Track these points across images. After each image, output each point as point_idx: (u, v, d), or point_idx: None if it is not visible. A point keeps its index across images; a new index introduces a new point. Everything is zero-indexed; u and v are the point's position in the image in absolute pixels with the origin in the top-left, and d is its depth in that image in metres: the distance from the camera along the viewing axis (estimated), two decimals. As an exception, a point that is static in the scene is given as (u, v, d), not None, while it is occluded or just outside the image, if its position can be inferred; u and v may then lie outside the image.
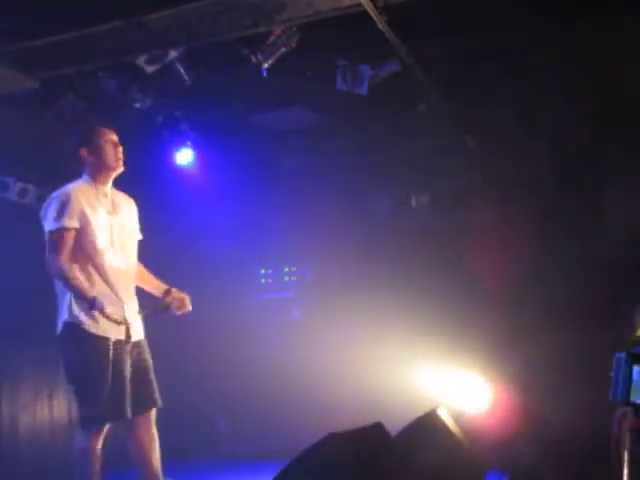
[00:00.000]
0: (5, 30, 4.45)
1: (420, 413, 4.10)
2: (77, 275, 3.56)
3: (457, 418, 4.40)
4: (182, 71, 5.22)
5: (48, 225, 3.60)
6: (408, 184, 6.58)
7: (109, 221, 3.71)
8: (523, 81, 5.26)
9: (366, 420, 3.69)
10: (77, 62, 4.92)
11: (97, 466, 3.57)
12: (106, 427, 3.61)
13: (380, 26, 4.43)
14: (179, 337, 6.87)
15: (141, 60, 5.01)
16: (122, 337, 3.63)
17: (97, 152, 3.74)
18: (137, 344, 3.74)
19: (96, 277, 3.61)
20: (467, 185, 6.19)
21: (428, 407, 4.15)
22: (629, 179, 5.42)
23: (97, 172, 3.76)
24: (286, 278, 7.33)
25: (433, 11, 4.62)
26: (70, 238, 3.56)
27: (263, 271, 7.43)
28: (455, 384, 5.86)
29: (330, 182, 6.64)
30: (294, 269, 7.29)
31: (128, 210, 3.88)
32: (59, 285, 3.64)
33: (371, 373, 6.53)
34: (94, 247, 3.62)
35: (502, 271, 5.83)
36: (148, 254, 6.83)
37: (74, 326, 3.56)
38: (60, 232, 3.55)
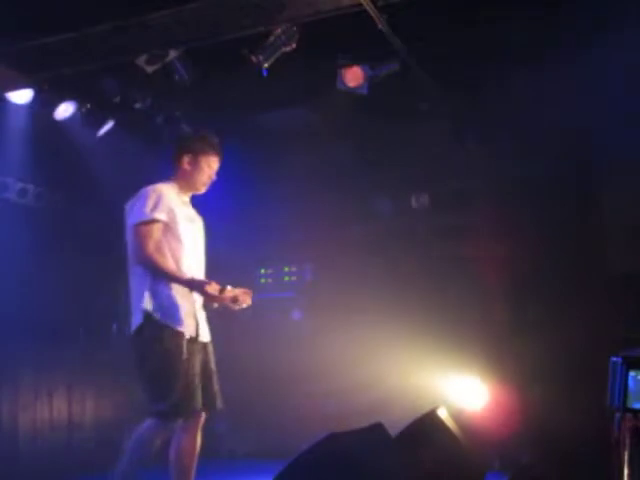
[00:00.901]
0: (5, 30, 4.45)
1: (420, 413, 4.10)
2: (168, 262, 3.63)
3: (457, 417, 4.40)
4: (182, 71, 5.22)
5: (137, 217, 3.66)
6: (408, 184, 6.57)
7: (188, 226, 3.81)
8: (523, 81, 5.26)
9: (366, 420, 3.69)
10: (77, 62, 4.92)
11: (148, 457, 3.56)
12: (176, 423, 3.62)
13: (380, 26, 4.43)
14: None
15: (141, 60, 5.01)
16: (193, 335, 3.66)
17: (194, 168, 3.87)
18: (204, 346, 3.78)
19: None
20: (467, 185, 6.19)
21: (428, 407, 4.15)
22: (629, 179, 5.42)
23: (184, 183, 3.88)
24: (286, 278, 7.33)
25: (433, 11, 4.62)
26: (158, 230, 3.65)
27: (263, 271, 7.43)
28: (455, 383, 5.87)
29: (330, 182, 6.64)
30: (294, 269, 7.29)
31: (199, 226, 3.99)
32: (135, 279, 3.69)
33: (371, 373, 6.53)
34: (178, 242, 3.71)
35: (502, 271, 5.83)
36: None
37: (151, 320, 3.59)
38: (149, 223, 3.64)
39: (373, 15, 4.29)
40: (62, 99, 5.59)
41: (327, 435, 3.39)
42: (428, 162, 6.24)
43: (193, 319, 3.68)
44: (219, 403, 3.81)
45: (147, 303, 3.60)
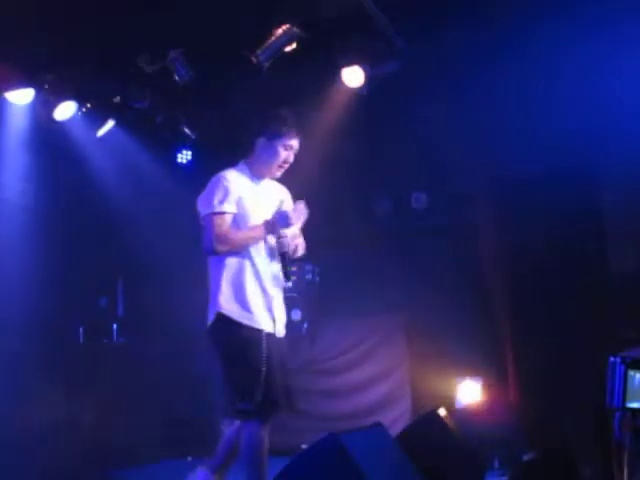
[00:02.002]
0: (6, 30, 4.45)
1: (420, 413, 4.11)
2: (236, 234, 3.53)
3: (457, 417, 4.40)
4: (182, 71, 5.22)
5: (207, 208, 3.60)
6: (408, 184, 6.57)
7: (261, 213, 3.69)
8: (523, 80, 5.26)
9: (366, 420, 3.69)
10: (77, 62, 4.92)
11: (264, 457, 3.50)
12: (269, 419, 3.55)
13: (380, 26, 4.43)
14: (179, 336, 6.86)
15: (141, 60, 5.02)
16: (271, 330, 3.58)
17: (268, 152, 3.71)
18: (281, 341, 3.68)
19: (247, 265, 3.59)
20: (467, 185, 6.18)
21: (428, 407, 4.16)
22: (629, 178, 5.42)
23: (257, 167, 3.75)
24: (286, 278, 7.32)
25: (433, 11, 4.62)
26: (227, 222, 3.57)
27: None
28: (455, 383, 5.87)
29: (329, 182, 6.63)
30: (294, 269, 7.28)
31: (278, 205, 3.83)
32: (210, 272, 3.63)
33: (371, 373, 6.52)
34: None
35: (501, 271, 5.83)
36: (149, 253, 6.84)
37: (226, 318, 3.52)
38: (218, 215, 3.56)
39: (373, 15, 4.30)
40: (62, 99, 5.58)
41: (327, 435, 3.39)
42: (428, 161, 6.24)
43: (269, 314, 3.58)
44: (294, 405, 3.79)
45: (221, 299, 3.53)
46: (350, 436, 3.46)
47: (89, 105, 5.72)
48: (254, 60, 4.85)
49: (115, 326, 6.77)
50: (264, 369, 3.45)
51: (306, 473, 3.38)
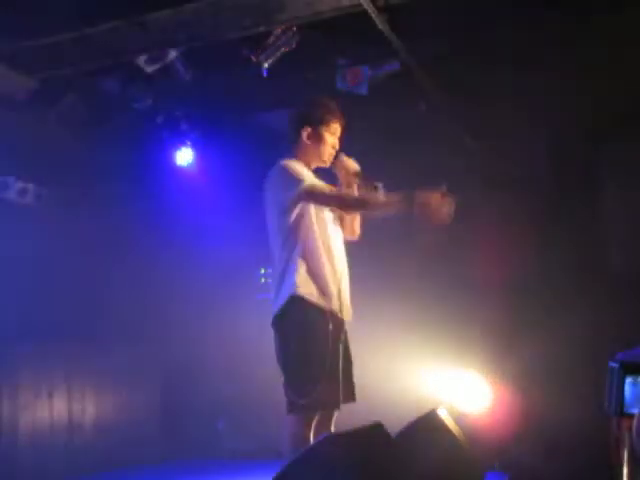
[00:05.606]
0: (5, 30, 4.45)
1: (420, 413, 4.11)
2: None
3: (457, 418, 4.40)
4: (182, 71, 5.23)
5: (294, 189, 3.40)
6: (408, 184, 6.56)
7: None
8: (523, 81, 5.26)
9: (366, 420, 3.69)
10: (77, 62, 4.92)
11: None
12: (317, 414, 3.43)
13: (380, 26, 4.43)
14: (179, 337, 6.87)
15: (141, 60, 5.02)
16: (339, 315, 3.45)
17: (315, 141, 3.61)
18: (344, 327, 3.58)
19: (320, 246, 3.47)
20: (467, 186, 6.18)
21: (428, 407, 4.15)
22: (629, 178, 5.42)
23: (306, 158, 3.62)
24: (286, 278, 7.32)
25: (433, 11, 4.62)
26: (321, 183, 3.49)
27: (263, 271, 7.44)
28: (455, 384, 5.87)
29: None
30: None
31: None
32: (282, 258, 3.42)
33: (371, 373, 6.52)
34: (321, 213, 3.52)
35: (502, 271, 5.83)
36: (148, 253, 6.84)
37: (295, 301, 3.33)
38: (309, 185, 3.42)
39: (373, 15, 4.30)
40: (62, 99, 5.59)
41: (327, 435, 3.39)
42: (428, 162, 6.24)
43: (338, 299, 3.46)
44: (354, 395, 3.62)
45: (296, 283, 3.33)
46: (350, 436, 3.45)
47: (88, 104, 5.72)
48: (254, 60, 4.85)
49: (116, 326, 6.78)
50: (327, 363, 3.33)
51: (306, 473, 3.37)
